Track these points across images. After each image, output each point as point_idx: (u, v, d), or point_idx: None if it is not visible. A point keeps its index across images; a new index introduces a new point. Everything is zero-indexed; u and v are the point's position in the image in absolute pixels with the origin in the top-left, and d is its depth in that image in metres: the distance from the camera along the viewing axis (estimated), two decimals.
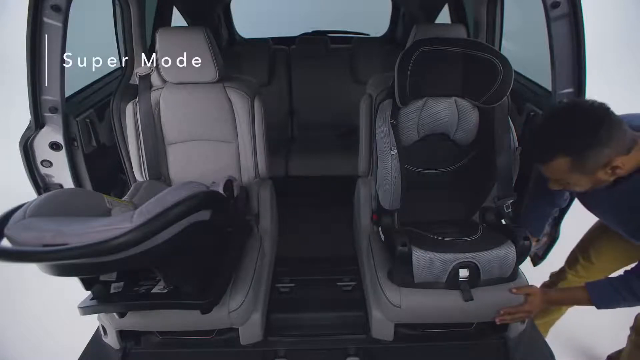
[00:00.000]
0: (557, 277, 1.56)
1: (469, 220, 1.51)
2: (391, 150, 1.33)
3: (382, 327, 1.36)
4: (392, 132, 1.35)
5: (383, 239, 1.40)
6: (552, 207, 1.37)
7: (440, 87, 1.38)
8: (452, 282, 1.21)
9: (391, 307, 1.27)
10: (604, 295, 1.13)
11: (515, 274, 1.27)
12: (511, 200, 1.35)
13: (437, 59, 1.33)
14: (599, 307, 1.15)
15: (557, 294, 1.30)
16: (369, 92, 1.54)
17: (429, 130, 1.44)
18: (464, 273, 1.20)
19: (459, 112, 1.40)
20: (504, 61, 1.29)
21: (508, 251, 1.21)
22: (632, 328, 1.38)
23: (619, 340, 1.45)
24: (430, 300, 1.25)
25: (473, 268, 1.20)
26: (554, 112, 1.00)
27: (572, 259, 1.52)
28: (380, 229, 1.43)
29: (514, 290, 1.24)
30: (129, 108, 1.47)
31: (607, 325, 1.51)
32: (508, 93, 1.32)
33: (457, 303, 1.22)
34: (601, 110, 0.91)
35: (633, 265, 1.12)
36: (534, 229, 1.39)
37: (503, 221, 1.43)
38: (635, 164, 0.95)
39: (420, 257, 1.20)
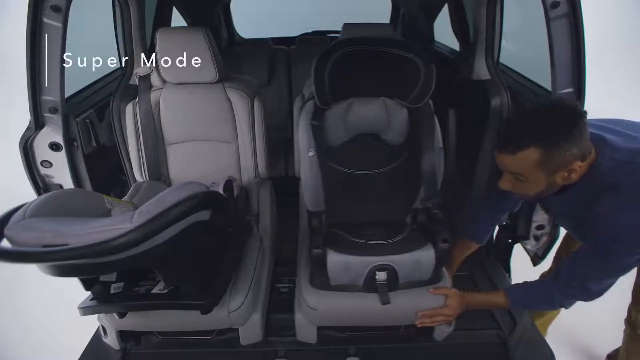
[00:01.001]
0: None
1: (400, 221, 1.46)
2: (309, 151, 1.30)
3: (304, 329, 1.34)
4: (311, 133, 1.31)
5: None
6: (502, 213, 1.36)
7: (366, 87, 1.35)
8: (370, 285, 1.19)
9: (309, 309, 1.25)
10: (522, 301, 1.18)
11: (438, 277, 1.24)
12: (436, 201, 1.32)
13: (362, 59, 1.29)
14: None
15: (476, 298, 1.28)
16: (304, 91, 1.51)
17: (357, 131, 1.41)
18: (381, 276, 1.18)
19: (388, 112, 1.37)
20: (426, 61, 1.26)
21: (426, 254, 1.19)
22: (626, 321, 1.38)
23: (619, 339, 1.45)
24: (347, 303, 1.23)
25: (391, 271, 1.17)
26: (532, 107, 1.00)
27: (558, 259, 1.53)
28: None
29: (431, 291, 1.22)
30: (129, 108, 1.47)
31: (608, 324, 1.51)
32: (430, 94, 1.29)
33: (376, 306, 1.19)
34: (577, 111, 0.93)
35: None
36: (478, 234, 1.37)
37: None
38: (583, 172, 0.98)
39: (334, 259, 1.18)
